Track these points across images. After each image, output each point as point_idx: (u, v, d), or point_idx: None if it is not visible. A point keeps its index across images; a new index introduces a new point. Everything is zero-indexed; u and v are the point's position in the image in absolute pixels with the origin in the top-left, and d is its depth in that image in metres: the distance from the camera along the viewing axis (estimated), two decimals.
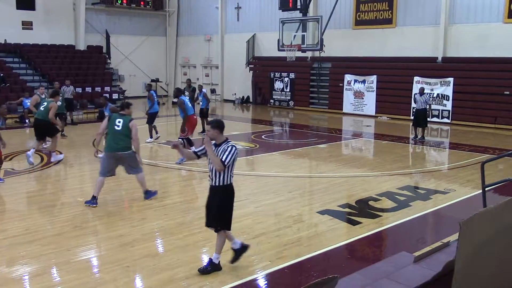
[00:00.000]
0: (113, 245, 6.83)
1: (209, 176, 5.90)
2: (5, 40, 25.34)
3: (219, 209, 5.90)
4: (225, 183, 5.83)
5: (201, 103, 16.68)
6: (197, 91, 17.26)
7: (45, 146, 13.23)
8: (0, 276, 5.78)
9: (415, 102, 16.17)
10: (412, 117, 17.96)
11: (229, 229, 6.05)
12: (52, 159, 12.41)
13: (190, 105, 12.88)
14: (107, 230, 7.42)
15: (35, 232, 7.30)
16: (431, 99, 18.86)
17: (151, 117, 15.34)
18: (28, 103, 20.11)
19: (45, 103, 12.29)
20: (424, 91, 16.45)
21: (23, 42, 26.07)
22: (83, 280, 5.71)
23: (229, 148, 5.70)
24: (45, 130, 12.22)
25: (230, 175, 5.85)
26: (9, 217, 8.11)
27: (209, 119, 16.74)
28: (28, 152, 11.63)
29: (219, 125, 5.80)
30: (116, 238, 7.06)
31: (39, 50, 26.42)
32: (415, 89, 20.91)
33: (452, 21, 20.75)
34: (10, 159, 12.44)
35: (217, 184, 5.84)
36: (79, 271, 5.97)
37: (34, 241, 6.91)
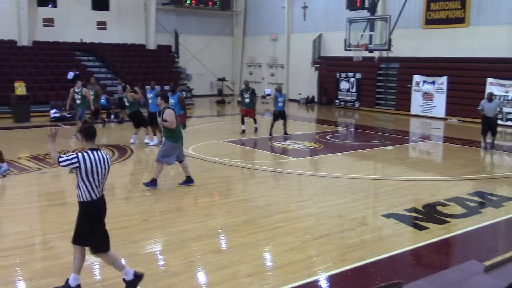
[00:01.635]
0: (178, 239, 6.99)
1: None
2: (81, 39, 26.58)
3: (76, 224, 5.38)
4: (82, 198, 5.22)
5: (281, 104, 16.29)
6: (274, 91, 16.78)
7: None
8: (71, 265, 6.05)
9: (483, 110, 14.09)
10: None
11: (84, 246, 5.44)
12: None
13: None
14: (172, 225, 7.61)
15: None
16: (503, 102, 17.74)
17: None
18: (102, 100, 21.05)
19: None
20: (493, 96, 14.64)
21: (97, 41, 27.24)
22: (149, 273, 5.87)
23: (73, 153, 5.10)
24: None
25: (87, 191, 5.17)
26: None
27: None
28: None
29: (84, 131, 5.26)
30: (181, 233, 7.22)
31: (112, 49, 27.52)
32: (489, 91, 20.04)
33: None
34: None
35: (77, 198, 5.29)
36: (145, 263, 6.16)
37: None
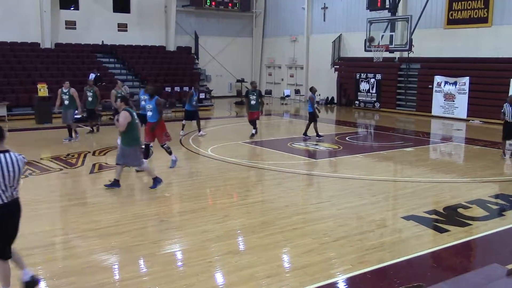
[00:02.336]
0: (197, 240, 7.01)
1: None
2: (102, 41, 26.89)
3: None
4: None
5: (315, 105, 15.98)
6: (310, 93, 16.12)
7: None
8: (92, 264, 6.13)
9: (504, 114, 13.00)
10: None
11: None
12: None
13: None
14: (191, 226, 7.64)
15: (124, 224, 7.66)
16: None
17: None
18: None
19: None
20: None
21: (118, 43, 27.53)
22: (167, 273, 5.91)
23: None
24: None
25: None
26: (102, 208, 8.59)
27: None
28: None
29: None
30: (199, 234, 7.25)
31: (133, 51, 27.79)
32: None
33: None
34: (104, 154, 13.18)
35: None
36: (164, 263, 6.19)
37: (124, 233, 7.26)
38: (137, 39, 28.40)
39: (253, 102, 15.94)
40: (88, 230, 7.34)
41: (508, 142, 13.51)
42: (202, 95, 25.24)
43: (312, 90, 16.18)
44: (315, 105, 16.05)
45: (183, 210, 8.59)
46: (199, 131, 16.51)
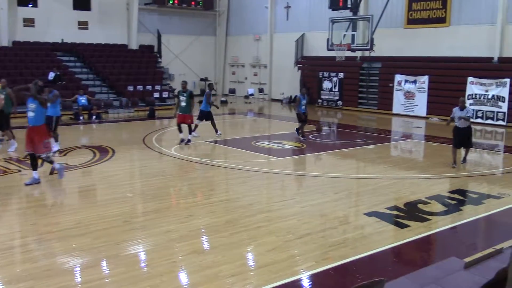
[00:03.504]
0: (161, 240, 6.95)
1: None
2: (62, 39, 26.30)
3: None
4: None
5: (304, 106, 15.80)
6: (299, 94, 15.86)
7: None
8: (53, 267, 5.99)
9: (453, 119, 12.21)
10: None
11: None
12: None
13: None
14: (155, 226, 7.56)
15: (86, 225, 7.52)
16: (472, 112, 14.40)
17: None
18: (83, 101, 20.84)
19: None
20: (466, 104, 12.84)
21: (79, 42, 26.96)
22: (131, 274, 5.84)
23: None
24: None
25: None
26: (62, 210, 8.41)
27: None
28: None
29: None
30: (163, 234, 7.18)
31: (94, 49, 27.26)
32: (469, 90, 20.31)
33: (510, 20, 19.99)
34: (65, 155, 12.90)
35: None
36: (127, 264, 6.11)
37: (86, 234, 7.12)
38: (98, 37, 27.88)
39: (183, 104, 14.50)
40: (48, 233, 7.18)
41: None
42: (165, 94, 25.09)
43: (302, 91, 16.09)
44: (303, 106, 15.87)
45: (147, 210, 8.49)
46: (216, 132, 15.83)
